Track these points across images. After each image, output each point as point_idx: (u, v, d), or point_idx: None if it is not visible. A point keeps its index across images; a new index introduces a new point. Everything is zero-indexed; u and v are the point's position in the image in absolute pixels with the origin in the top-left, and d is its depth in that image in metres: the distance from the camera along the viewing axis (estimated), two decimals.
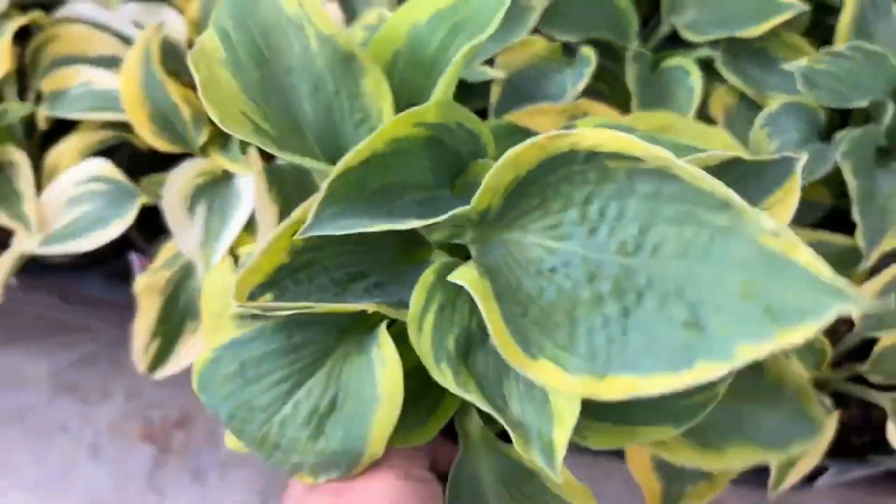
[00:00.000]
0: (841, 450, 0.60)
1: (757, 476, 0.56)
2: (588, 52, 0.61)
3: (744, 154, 0.32)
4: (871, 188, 0.54)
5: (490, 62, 0.62)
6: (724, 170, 0.30)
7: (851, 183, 0.53)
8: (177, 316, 0.55)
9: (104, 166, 0.59)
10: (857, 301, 0.22)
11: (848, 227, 0.55)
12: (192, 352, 0.56)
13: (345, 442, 0.31)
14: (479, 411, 0.34)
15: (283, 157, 0.31)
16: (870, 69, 0.58)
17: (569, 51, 0.65)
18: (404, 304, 0.30)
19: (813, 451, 0.54)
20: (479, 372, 0.28)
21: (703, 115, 0.61)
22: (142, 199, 0.58)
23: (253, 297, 0.29)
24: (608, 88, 0.67)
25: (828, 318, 0.22)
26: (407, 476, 0.32)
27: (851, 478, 0.64)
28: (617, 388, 0.25)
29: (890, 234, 0.53)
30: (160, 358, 0.56)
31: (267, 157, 0.58)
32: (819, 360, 0.57)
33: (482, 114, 0.62)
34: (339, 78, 0.32)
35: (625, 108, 0.61)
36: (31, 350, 1.07)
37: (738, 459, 0.36)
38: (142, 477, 1.02)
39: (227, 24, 0.32)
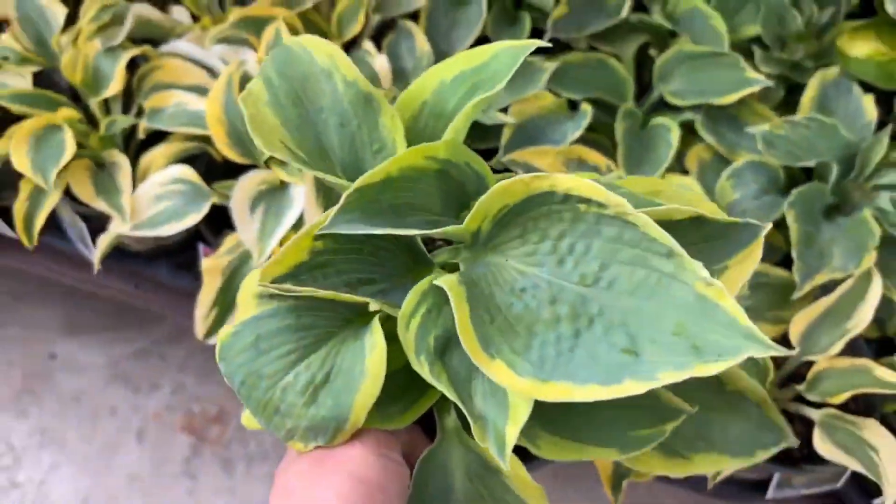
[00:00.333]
0: (783, 461, 0.69)
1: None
2: (586, 108, 0.73)
3: (708, 213, 0.34)
4: (811, 234, 0.65)
5: (505, 110, 0.74)
6: (696, 227, 0.33)
7: (793, 227, 0.64)
8: (232, 293, 0.68)
9: (186, 171, 0.72)
10: (767, 346, 0.26)
11: None
12: None
13: (333, 409, 0.34)
14: (458, 412, 0.38)
15: (313, 174, 0.36)
16: (822, 137, 0.69)
17: (573, 106, 0.77)
18: (400, 307, 0.33)
19: None
20: (452, 368, 0.32)
21: (681, 167, 0.73)
22: (213, 199, 0.71)
23: (274, 283, 0.33)
24: (606, 139, 0.78)
25: (740, 358, 0.26)
26: (380, 453, 0.35)
27: (798, 494, 0.73)
28: (555, 392, 0.28)
29: (824, 272, 0.63)
30: (216, 326, 0.68)
31: None
32: (763, 377, 0.67)
33: (495, 152, 0.74)
34: (360, 114, 0.38)
35: (615, 156, 0.72)
36: (93, 341, 1.18)
37: (704, 467, 0.38)
38: (178, 463, 1.11)
39: (272, 74, 0.38)
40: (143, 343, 1.20)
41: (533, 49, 0.38)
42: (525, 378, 0.29)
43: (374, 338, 0.34)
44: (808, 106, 0.73)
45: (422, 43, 0.80)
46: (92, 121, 0.78)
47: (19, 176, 0.71)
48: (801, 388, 0.66)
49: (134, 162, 0.75)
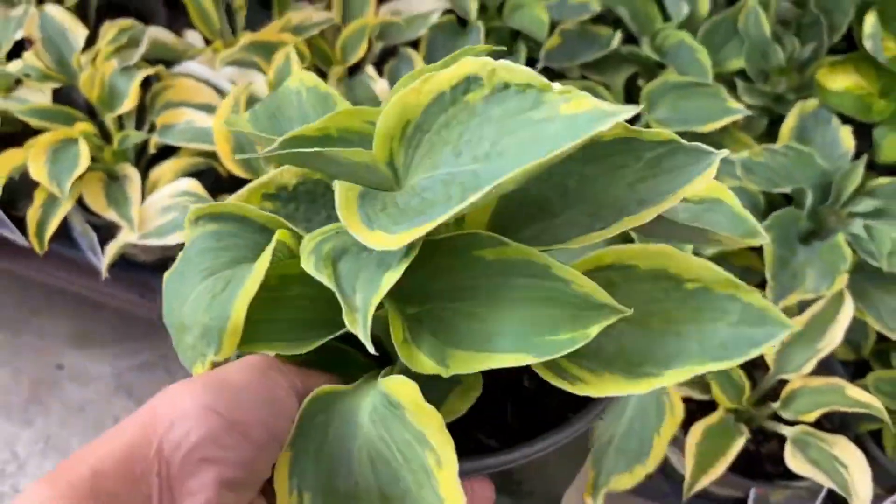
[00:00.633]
0: (759, 476, 0.71)
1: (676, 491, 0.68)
2: None
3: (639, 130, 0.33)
4: (786, 256, 0.67)
5: None
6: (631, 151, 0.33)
7: (768, 250, 0.67)
8: None
9: (192, 184, 0.75)
10: (614, 115, 0.27)
11: None
12: None
13: (221, 310, 0.33)
14: (376, 358, 0.36)
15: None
16: (799, 165, 0.72)
17: None
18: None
19: (723, 461, 0.65)
20: (341, 272, 0.32)
21: None
22: None
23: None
24: None
25: (609, 122, 0.27)
26: (259, 369, 0.33)
27: None
28: (418, 231, 0.29)
29: (797, 293, 0.66)
30: None
31: None
32: (739, 393, 0.69)
33: None
34: (319, 110, 0.41)
35: None
36: (100, 352, 1.20)
37: (676, 378, 0.33)
38: None
39: (257, 109, 0.41)
40: (149, 356, 1.22)
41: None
42: (396, 234, 0.29)
43: (267, 250, 0.33)
44: (788, 135, 0.76)
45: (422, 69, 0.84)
46: (106, 136, 0.82)
47: (33, 187, 0.75)
48: (776, 405, 0.68)
49: (144, 175, 0.79)
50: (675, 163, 0.33)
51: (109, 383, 1.18)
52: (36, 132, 0.78)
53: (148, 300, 0.92)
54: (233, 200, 0.36)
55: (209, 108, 0.80)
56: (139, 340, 1.21)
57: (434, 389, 0.34)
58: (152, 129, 0.81)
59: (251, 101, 0.77)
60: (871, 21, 0.76)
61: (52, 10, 0.84)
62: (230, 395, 0.31)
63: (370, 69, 0.85)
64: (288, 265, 0.35)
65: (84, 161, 0.74)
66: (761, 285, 0.73)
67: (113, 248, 0.75)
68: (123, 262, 0.84)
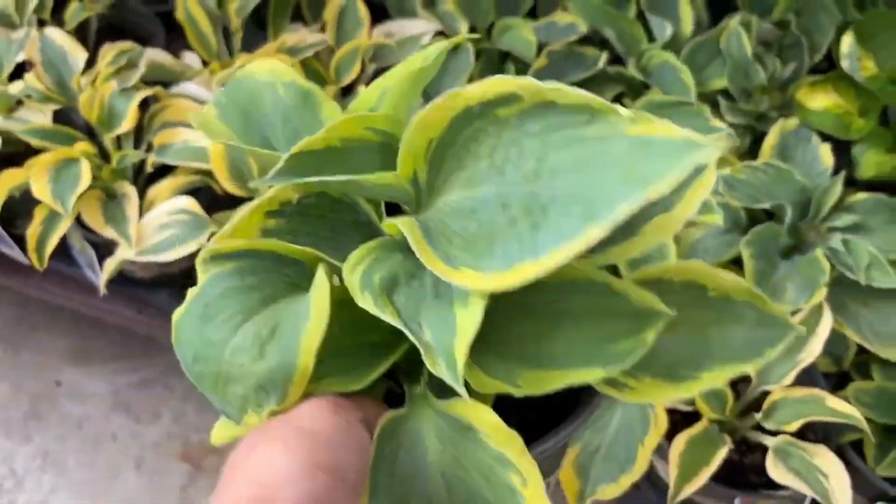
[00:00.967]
0: (743, 486, 0.73)
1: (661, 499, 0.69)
2: None
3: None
4: (766, 271, 0.69)
5: None
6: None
7: (748, 264, 0.68)
8: None
9: (189, 202, 0.77)
10: (708, 143, 0.25)
11: None
12: None
13: (280, 357, 0.32)
14: (425, 377, 0.36)
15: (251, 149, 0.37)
16: (779, 181, 0.74)
17: None
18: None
19: (706, 470, 0.66)
20: (399, 305, 0.31)
21: None
22: (212, 228, 0.76)
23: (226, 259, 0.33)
24: None
25: (691, 163, 0.25)
26: (335, 411, 0.32)
27: None
28: (523, 272, 0.27)
29: (779, 306, 0.68)
30: None
31: None
32: (723, 404, 0.71)
33: None
34: (301, 109, 0.39)
35: None
36: (98, 369, 1.21)
37: (714, 380, 0.36)
38: (175, 491, 1.13)
39: (222, 99, 0.40)
40: (147, 373, 1.22)
41: (451, 46, 0.39)
42: (490, 273, 0.28)
43: (318, 281, 0.32)
44: (769, 153, 0.78)
45: None
46: (105, 155, 0.84)
47: (32, 205, 0.77)
48: (758, 416, 0.69)
49: (142, 193, 0.80)
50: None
51: (108, 400, 1.19)
52: (36, 152, 0.79)
53: (146, 316, 0.93)
54: (236, 221, 0.34)
55: None
56: (137, 357, 1.22)
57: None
58: (150, 148, 0.83)
59: None
60: (848, 41, 0.78)
61: (53, 33, 0.86)
62: (324, 447, 0.30)
63: (363, 89, 0.86)
64: None
65: (85, 179, 0.75)
66: None
67: (111, 265, 0.76)
68: (121, 279, 0.85)
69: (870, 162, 0.78)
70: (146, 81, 0.85)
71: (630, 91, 0.87)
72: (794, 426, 0.67)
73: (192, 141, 0.79)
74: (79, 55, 0.86)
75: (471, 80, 0.87)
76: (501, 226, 0.29)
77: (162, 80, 0.87)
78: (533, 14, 0.95)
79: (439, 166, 0.31)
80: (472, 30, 0.92)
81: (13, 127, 0.79)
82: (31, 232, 0.77)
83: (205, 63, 0.92)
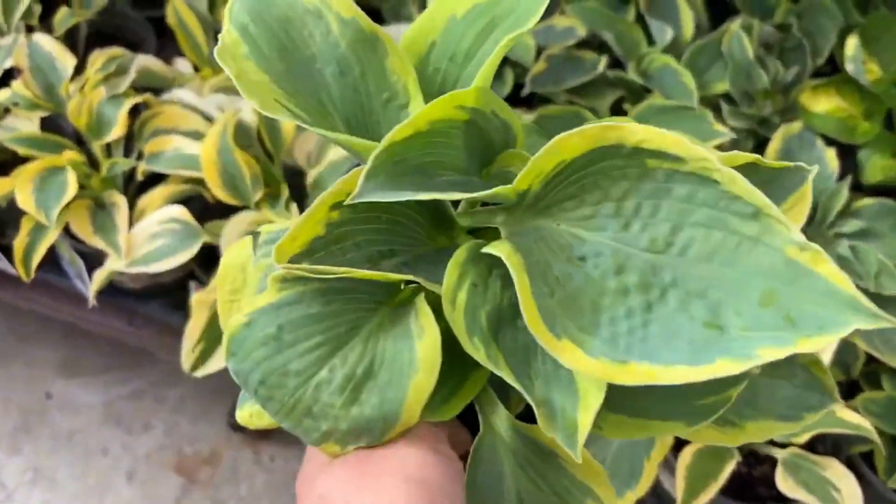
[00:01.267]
0: (751, 499, 0.71)
1: None
2: None
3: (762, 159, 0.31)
4: None
5: None
6: (745, 173, 0.29)
7: None
8: (219, 327, 0.70)
9: (180, 211, 0.75)
10: (876, 316, 0.23)
11: None
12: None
13: (380, 408, 0.30)
14: (501, 394, 0.34)
15: (318, 132, 0.31)
16: None
17: None
18: (436, 282, 0.29)
19: (714, 484, 0.65)
20: (507, 348, 0.29)
21: None
22: (204, 238, 0.74)
23: (291, 263, 0.29)
24: None
25: (846, 331, 0.23)
26: (434, 449, 0.31)
27: None
28: (636, 375, 0.25)
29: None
30: (202, 359, 0.71)
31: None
32: None
33: None
34: (363, 59, 0.33)
35: None
36: (89, 381, 1.20)
37: (755, 434, 0.35)
38: (169, 503, 1.11)
39: (245, 19, 0.32)
40: (139, 384, 1.21)
41: None
42: (597, 359, 0.25)
43: (423, 322, 0.30)
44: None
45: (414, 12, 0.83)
46: (94, 163, 0.82)
47: (21, 215, 0.75)
48: None
49: (132, 202, 0.79)
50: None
51: (99, 412, 1.18)
52: (24, 160, 0.78)
53: (136, 328, 0.92)
54: (301, 220, 0.29)
55: (197, 135, 0.80)
56: (128, 368, 1.21)
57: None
58: (140, 156, 0.81)
59: (240, 128, 0.77)
60: (852, 44, 0.77)
61: (41, 39, 0.85)
62: (434, 492, 0.29)
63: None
64: None
65: (71, 189, 0.74)
66: None
67: (100, 276, 0.75)
68: (112, 290, 0.84)
69: (876, 166, 0.76)
70: (136, 88, 0.83)
71: (630, 95, 0.86)
72: (804, 438, 0.65)
73: (183, 148, 0.78)
74: (67, 61, 0.84)
75: None
76: (611, 291, 0.26)
77: (153, 86, 0.85)
78: None
79: (556, 185, 0.28)
80: None
81: (0, 135, 0.77)
82: (18, 243, 0.75)
83: (196, 69, 0.91)
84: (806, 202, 0.32)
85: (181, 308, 0.85)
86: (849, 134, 0.77)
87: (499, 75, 0.89)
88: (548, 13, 0.91)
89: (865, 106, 0.78)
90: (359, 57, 0.33)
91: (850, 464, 0.67)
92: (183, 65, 0.91)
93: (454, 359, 0.30)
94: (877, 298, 0.69)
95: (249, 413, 0.34)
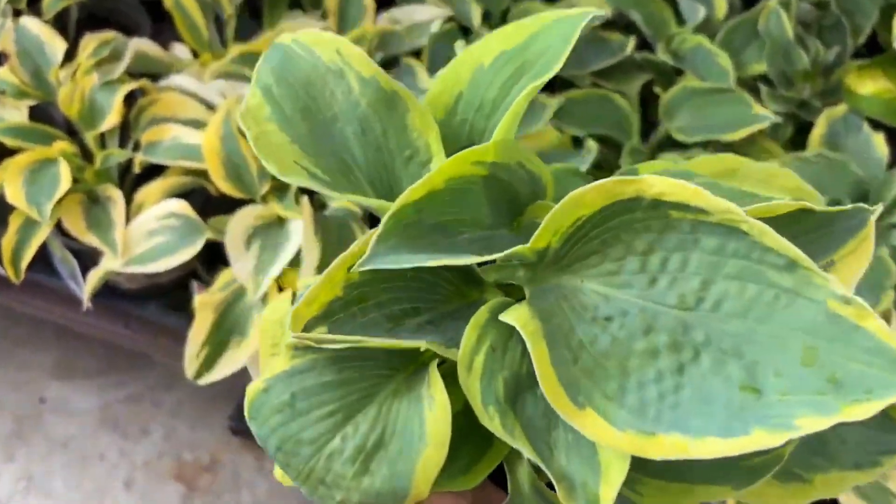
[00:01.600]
0: None
1: None
2: (592, 144, 0.72)
3: (814, 202, 0.29)
4: None
5: None
6: (794, 218, 0.28)
7: None
8: (225, 331, 0.65)
9: (181, 205, 0.70)
10: None
11: None
12: (234, 363, 0.66)
13: (390, 481, 0.29)
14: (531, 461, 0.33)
15: (340, 198, 0.32)
16: (832, 173, 0.68)
17: (577, 142, 0.75)
18: (456, 344, 0.28)
19: None
20: (526, 417, 0.27)
21: None
22: (207, 234, 0.69)
23: (308, 328, 0.28)
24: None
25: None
26: None
27: None
28: (665, 448, 0.24)
29: None
30: (207, 365, 0.66)
31: (319, 207, 0.69)
32: None
33: None
34: (384, 117, 0.33)
35: None
36: (84, 384, 1.16)
37: (827, 489, 0.32)
38: None
39: (269, 81, 0.33)
40: (135, 387, 1.17)
41: (588, 19, 0.32)
42: (624, 431, 0.24)
43: (433, 391, 0.29)
44: (818, 142, 0.72)
45: (424, 79, 0.80)
46: (87, 155, 0.77)
47: (8, 212, 0.70)
48: None
49: (129, 197, 0.74)
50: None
51: (94, 416, 1.15)
52: (12, 152, 0.73)
53: (133, 331, 0.87)
54: (320, 283, 0.29)
55: (198, 124, 0.75)
56: (125, 371, 1.17)
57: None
58: (137, 147, 0.76)
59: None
60: None
61: (29, 22, 0.79)
62: None
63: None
64: None
65: (65, 182, 0.69)
66: None
67: (95, 277, 0.69)
68: (107, 291, 0.78)
69: None
70: (132, 74, 0.79)
71: (660, 79, 0.81)
72: None
73: (183, 138, 0.73)
74: (57, 46, 0.79)
75: None
76: (639, 353, 0.25)
77: (149, 72, 0.81)
78: None
79: (576, 241, 0.27)
80: (487, 15, 0.85)
81: None
82: (7, 241, 0.70)
83: (195, 54, 0.86)
84: (869, 244, 0.30)
85: (181, 309, 0.81)
86: None
87: None
88: None
89: None
90: (379, 115, 0.33)
91: None
92: (181, 50, 0.86)
93: (476, 424, 0.28)
94: None
95: (281, 472, 0.34)
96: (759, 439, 0.22)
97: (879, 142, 0.72)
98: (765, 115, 0.71)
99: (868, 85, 0.74)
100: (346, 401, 0.30)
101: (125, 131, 0.77)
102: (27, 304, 0.89)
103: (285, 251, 0.65)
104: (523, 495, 0.32)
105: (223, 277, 0.67)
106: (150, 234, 0.70)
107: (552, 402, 0.25)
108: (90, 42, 0.78)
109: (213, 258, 0.75)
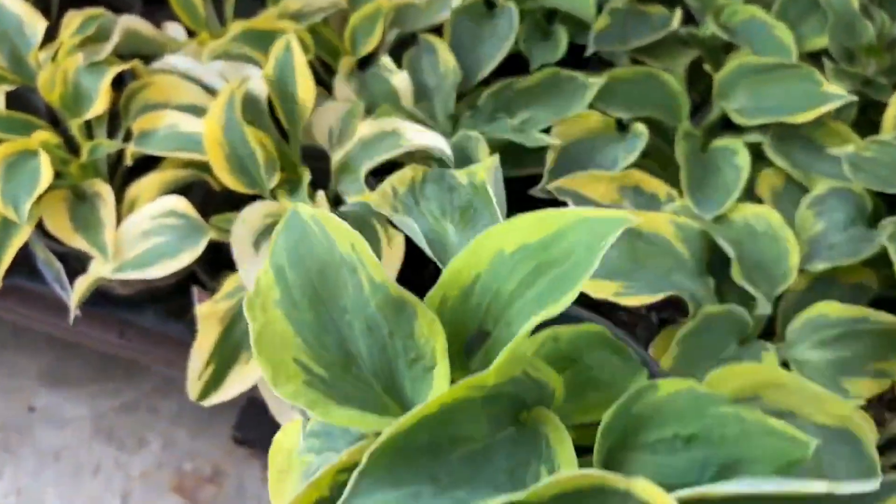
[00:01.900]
0: None
1: None
2: (641, 128, 0.64)
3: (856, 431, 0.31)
4: None
5: (546, 130, 0.66)
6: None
7: None
8: (232, 345, 0.58)
9: (179, 202, 0.63)
10: None
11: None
12: (242, 382, 0.58)
13: None
14: None
15: (333, 416, 0.32)
16: None
17: (621, 126, 0.68)
18: None
19: None
20: None
21: (749, 195, 0.64)
22: (210, 235, 0.62)
23: None
24: (657, 165, 0.70)
25: None
26: None
27: None
28: None
29: None
30: (213, 385, 0.58)
31: (335, 203, 0.61)
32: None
33: (535, 179, 0.66)
34: (391, 321, 0.34)
35: (672, 182, 0.64)
36: (76, 392, 1.11)
37: None
38: None
39: (283, 261, 0.34)
40: (131, 394, 1.12)
41: (620, 232, 0.32)
42: None
43: None
44: (892, 124, 0.64)
45: (446, 58, 0.73)
46: (72, 146, 0.70)
47: None
48: None
49: (120, 193, 0.67)
50: None
51: (87, 426, 1.10)
52: None
53: (128, 340, 0.81)
54: (308, 486, 0.30)
55: (196, 110, 0.67)
56: (120, 377, 1.12)
57: None
58: (128, 136, 0.69)
59: (249, 101, 0.64)
60: None
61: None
62: None
63: (386, 60, 0.73)
64: None
65: (46, 177, 0.62)
66: (875, 303, 0.61)
67: (83, 284, 0.62)
68: (98, 296, 0.71)
69: None
70: (121, 55, 0.71)
71: (709, 55, 0.74)
72: None
73: (180, 126, 0.66)
74: (38, 25, 0.72)
75: (516, 44, 0.74)
76: None
77: (140, 53, 0.73)
78: None
79: None
80: None
81: None
82: None
83: (191, 34, 0.79)
84: None
85: (180, 316, 0.75)
86: None
87: (549, 34, 0.76)
88: None
89: None
90: (387, 318, 0.34)
91: None
92: (175, 29, 0.79)
93: None
94: None
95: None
96: None
97: None
98: (837, 93, 0.63)
99: None
100: None
101: (115, 119, 0.70)
102: (11, 312, 0.83)
103: None
104: None
105: (229, 284, 0.60)
106: (144, 236, 0.62)
107: None
108: (74, 18, 0.72)
109: (215, 259, 0.67)
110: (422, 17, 0.77)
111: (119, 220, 0.64)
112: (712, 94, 0.68)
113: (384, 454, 0.28)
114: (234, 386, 0.58)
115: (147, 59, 0.73)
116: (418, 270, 0.61)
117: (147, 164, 0.69)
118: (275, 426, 0.46)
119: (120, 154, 0.70)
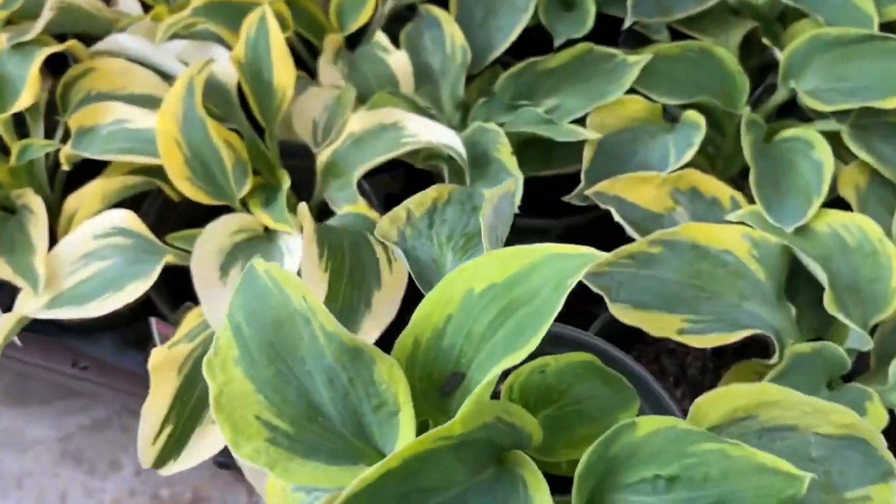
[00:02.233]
0: None
1: None
2: (696, 117, 0.54)
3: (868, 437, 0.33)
4: None
5: (581, 121, 0.55)
6: None
7: None
8: (196, 398, 0.47)
9: (128, 218, 0.53)
10: None
11: None
12: (212, 443, 0.47)
13: None
14: None
15: (294, 480, 0.32)
16: None
17: (667, 114, 0.58)
18: None
19: None
20: None
21: (831, 196, 0.53)
22: (166, 258, 0.51)
23: None
24: (707, 161, 0.59)
25: None
26: None
27: None
28: None
29: None
30: (172, 448, 0.47)
31: (320, 214, 0.51)
32: None
33: (569, 179, 0.55)
34: (350, 369, 0.34)
35: (729, 180, 0.54)
36: (38, 412, 1.05)
37: None
38: None
39: (240, 318, 0.34)
40: (100, 413, 1.06)
41: (585, 270, 0.32)
42: None
43: None
44: None
45: (453, 33, 0.63)
46: (2, 147, 0.60)
47: None
48: None
49: (56, 206, 0.57)
50: None
51: (53, 449, 1.04)
52: None
53: (82, 369, 0.74)
54: None
55: (150, 101, 0.58)
56: (87, 394, 1.04)
57: None
58: (66, 135, 0.58)
59: (213, 90, 0.54)
60: None
61: None
62: None
63: (381, 37, 0.64)
64: None
65: None
66: None
67: (8, 323, 0.50)
68: (47, 323, 0.62)
69: None
70: (56, 35, 0.61)
71: (765, 27, 0.63)
72: None
73: (130, 121, 0.57)
74: None
75: (534, 16, 0.64)
76: None
77: (82, 31, 0.63)
78: None
79: None
80: None
81: None
82: None
83: (146, 8, 0.69)
84: None
85: (139, 345, 0.66)
86: None
87: (573, 4, 0.66)
88: None
89: None
90: (345, 366, 0.35)
91: None
92: (127, 4, 0.70)
93: None
94: None
95: None
96: None
97: None
98: None
99: None
100: None
101: (51, 114, 0.60)
102: None
103: None
104: None
105: (188, 321, 0.49)
106: (85, 260, 0.52)
107: None
108: None
109: (173, 282, 0.58)
110: None
111: (54, 240, 0.54)
112: (777, 73, 0.58)
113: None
114: (201, 449, 0.47)
115: (90, 39, 0.63)
116: None
117: (94, 168, 0.59)
118: None
119: (55, 157, 0.60)
